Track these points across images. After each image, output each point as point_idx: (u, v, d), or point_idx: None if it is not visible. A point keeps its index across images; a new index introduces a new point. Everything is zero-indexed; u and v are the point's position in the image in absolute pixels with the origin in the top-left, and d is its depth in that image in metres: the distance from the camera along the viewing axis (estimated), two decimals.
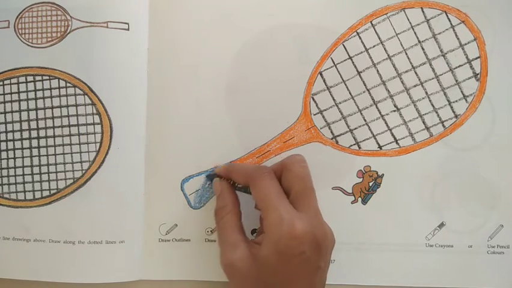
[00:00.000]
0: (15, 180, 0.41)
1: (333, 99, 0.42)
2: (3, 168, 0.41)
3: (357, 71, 0.42)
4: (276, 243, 0.33)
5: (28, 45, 0.41)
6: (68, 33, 0.41)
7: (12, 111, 0.41)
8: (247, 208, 0.39)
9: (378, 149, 0.42)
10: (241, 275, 0.34)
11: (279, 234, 0.33)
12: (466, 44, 0.41)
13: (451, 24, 0.41)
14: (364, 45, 0.41)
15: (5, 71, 0.41)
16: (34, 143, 0.41)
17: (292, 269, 0.33)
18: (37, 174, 0.41)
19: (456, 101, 0.42)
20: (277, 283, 0.33)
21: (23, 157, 0.41)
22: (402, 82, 0.42)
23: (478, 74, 0.41)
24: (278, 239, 0.33)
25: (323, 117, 0.42)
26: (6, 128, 0.41)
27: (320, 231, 0.34)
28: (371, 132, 0.42)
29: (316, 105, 0.42)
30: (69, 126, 0.41)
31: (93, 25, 0.41)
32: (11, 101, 0.41)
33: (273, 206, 0.34)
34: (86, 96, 0.41)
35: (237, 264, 0.34)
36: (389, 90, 0.42)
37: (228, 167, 0.40)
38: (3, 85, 0.41)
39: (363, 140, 0.42)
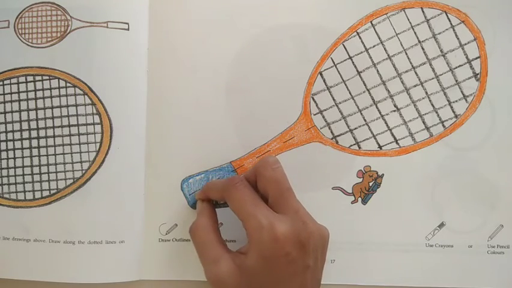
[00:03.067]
0: (15, 180, 0.41)
1: (333, 99, 0.42)
2: (3, 168, 0.41)
3: (357, 71, 0.42)
4: (260, 249, 0.33)
5: (28, 45, 0.41)
6: (68, 33, 0.41)
7: (12, 111, 0.41)
8: None
9: (378, 149, 0.42)
10: (229, 287, 0.34)
11: (261, 239, 0.33)
12: (465, 44, 0.41)
13: (451, 24, 0.41)
14: (364, 45, 0.41)
15: (5, 71, 0.41)
16: (34, 143, 0.41)
17: (280, 272, 0.33)
18: (37, 174, 0.41)
19: (456, 101, 0.42)
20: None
21: (23, 157, 0.41)
22: (402, 82, 0.42)
23: (477, 74, 0.41)
24: (261, 244, 0.33)
25: (323, 117, 0.42)
26: (6, 128, 0.41)
27: (303, 230, 0.33)
28: (371, 132, 0.42)
29: (317, 105, 0.42)
30: (69, 126, 0.41)
31: (93, 25, 0.41)
32: (11, 101, 0.41)
33: (249, 213, 0.34)
34: (86, 96, 0.41)
35: (223, 277, 0.34)
36: (389, 90, 0.42)
37: (203, 188, 0.40)
38: (3, 85, 0.41)
39: (363, 140, 0.42)
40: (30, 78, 0.41)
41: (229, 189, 0.36)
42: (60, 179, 0.41)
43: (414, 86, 0.42)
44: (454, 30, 0.41)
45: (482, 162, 0.42)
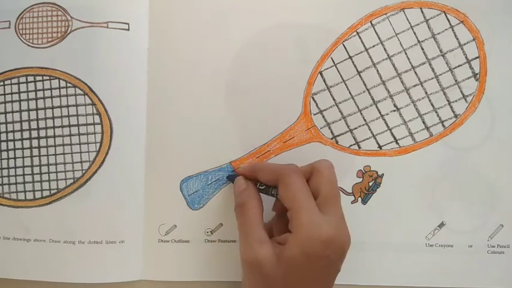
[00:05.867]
0: (15, 180, 0.41)
1: (333, 99, 0.42)
2: (3, 168, 0.41)
3: (357, 70, 0.42)
4: (305, 244, 0.33)
5: (29, 45, 0.41)
6: (69, 33, 0.41)
7: (12, 111, 0.41)
8: None
9: (378, 148, 0.42)
10: (265, 272, 0.33)
11: (309, 236, 0.33)
12: (465, 44, 0.41)
13: (450, 24, 0.41)
14: (364, 45, 0.41)
15: (6, 71, 0.41)
16: (34, 143, 0.41)
17: (316, 271, 0.33)
18: (37, 174, 0.41)
19: (455, 100, 0.42)
20: (300, 283, 0.33)
21: (23, 157, 0.41)
22: (402, 82, 0.42)
23: (477, 73, 0.41)
24: (307, 240, 0.33)
25: (323, 117, 0.42)
26: (6, 128, 0.41)
27: (346, 237, 0.34)
28: (371, 132, 0.42)
29: (317, 105, 0.42)
30: (69, 126, 0.41)
31: (93, 25, 0.41)
32: (12, 101, 0.41)
33: (304, 206, 0.34)
34: (86, 96, 0.41)
35: (262, 260, 0.33)
36: (388, 90, 0.42)
37: (253, 166, 0.39)
38: (4, 85, 0.41)
39: (363, 140, 0.42)
40: (30, 79, 0.41)
41: (287, 174, 0.35)
42: (61, 179, 0.41)
43: (414, 85, 0.42)
44: (453, 30, 0.41)
45: (482, 162, 0.42)
